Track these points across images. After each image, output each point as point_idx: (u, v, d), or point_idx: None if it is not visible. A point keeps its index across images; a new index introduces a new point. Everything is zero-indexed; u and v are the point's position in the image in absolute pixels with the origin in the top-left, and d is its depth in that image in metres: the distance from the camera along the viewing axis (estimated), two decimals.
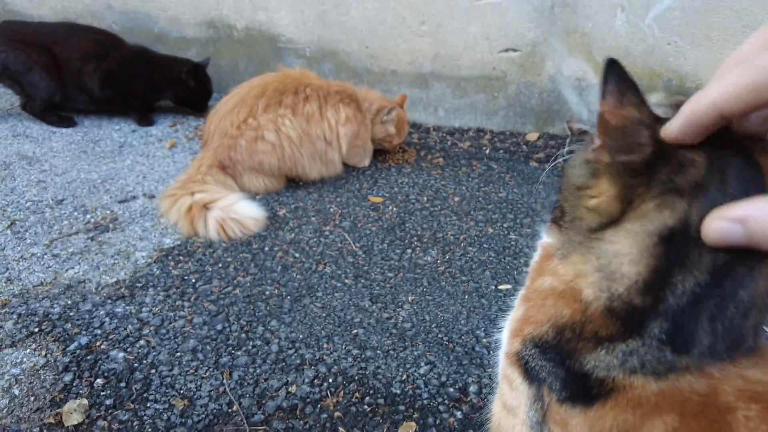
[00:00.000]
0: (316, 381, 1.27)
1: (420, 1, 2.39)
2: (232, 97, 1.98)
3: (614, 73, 0.50)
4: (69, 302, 1.47)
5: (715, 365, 0.43)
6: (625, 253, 0.45)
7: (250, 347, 1.36)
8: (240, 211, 1.75)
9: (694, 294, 0.42)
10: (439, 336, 1.43)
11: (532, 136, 2.61)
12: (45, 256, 1.66)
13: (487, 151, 2.50)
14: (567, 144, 2.27)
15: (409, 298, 1.56)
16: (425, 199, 2.07)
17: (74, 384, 1.23)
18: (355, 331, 1.43)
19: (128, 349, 1.33)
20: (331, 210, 1.96)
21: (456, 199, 2.09)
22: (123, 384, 1.23)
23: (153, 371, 1.27)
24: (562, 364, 0.49)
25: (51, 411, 1.15)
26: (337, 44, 2.54)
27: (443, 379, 1.28)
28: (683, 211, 0.43)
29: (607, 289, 0.46)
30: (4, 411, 1.15)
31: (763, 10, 2.21)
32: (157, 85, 2.41)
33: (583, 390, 0.48)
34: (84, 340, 1.35)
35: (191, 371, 1.28)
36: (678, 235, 0.43)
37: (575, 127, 2.23)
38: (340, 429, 1.15)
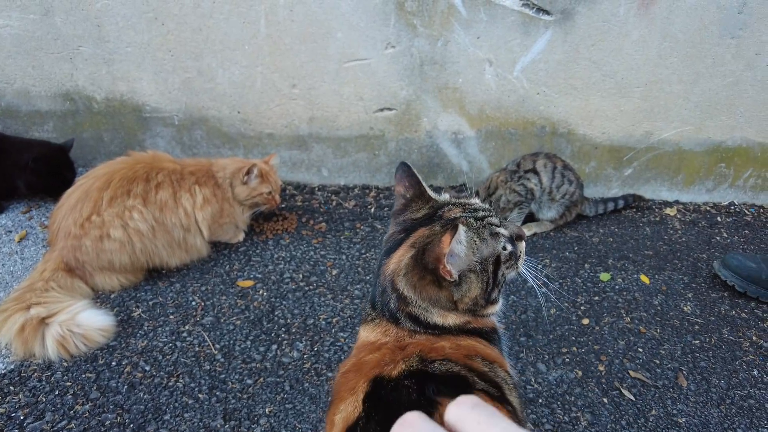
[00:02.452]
0: None
1: (289, 64, 2.32)
2: (75, 190, 1.82)
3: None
4: None
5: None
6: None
7: None
8: (84, 323, 1.60)
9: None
10: None
11: None
12: None
13: (372, 210, 2.45)
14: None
15: (267, 410, 1.46)
16: (300, 276, 1.99)
17: None
18: None
19: None
20: (193, 303, 1.83)
21: (334, 272, 2.02)
22: None
23: None
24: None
25: None
26: (207, 111, 2.43)
27: None
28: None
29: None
30: None
31: (617, 60, 2.29)
32: (5, 171, 2.19)
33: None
34: None
35: None
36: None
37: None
38: None
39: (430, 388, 0.71)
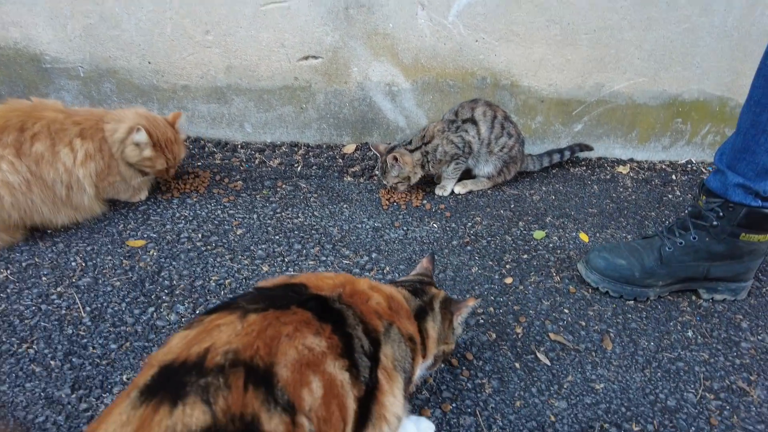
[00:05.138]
0: None
1: (201, 9, 2.10)
2: None
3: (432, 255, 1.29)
4: None
5: None
6: None
7: None
8: None
9: None
10: None
11: (349, 149, 2.39)
12: None
13: (299, 169, 2.25)
14: (378, 168, 2.08)
15: (125, 377, 1.28)
16: (200, 236, 1.79)
17: None
18: None
19: None
20: (73, 264, 1.63)
21: (239, 232, 1.83)
22: None
23: None
24: None
25: None
26: (115, 61, 2.21)
27: None
28: None
29: None
30: None
31: (562, 4, 2.09)
32: None
33: None
34: None
35: None
36: None
37: (381, 147, 2.04)
38: None
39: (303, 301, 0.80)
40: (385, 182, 2.02)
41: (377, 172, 2.05)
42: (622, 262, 1.57)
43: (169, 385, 0.62)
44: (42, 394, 1.22)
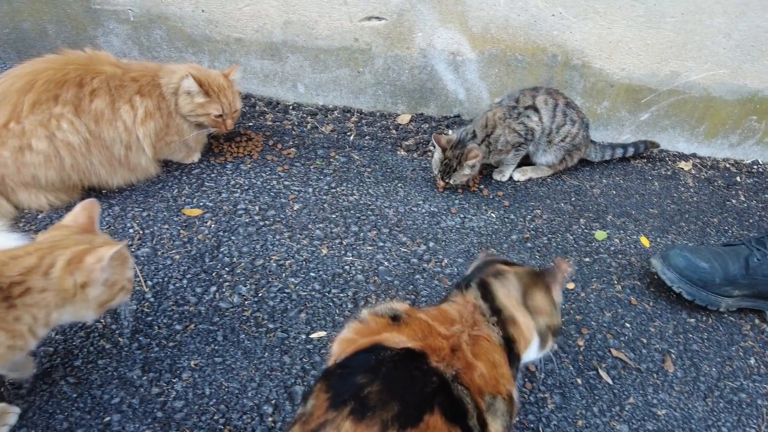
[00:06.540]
0: None
1: None
2: None
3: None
4: None
5: None
6: None
7: None
8: None
9: None
10: (215, 418, 1.18)
11: (404, 119, 2.29)
12: None
13: (351, 138, 2.18)
14: (434, 163, 1.91)
15: (192, 363, 1.29)
16: (257, 208, 1.76)
17: None
18: (108, 418, 1.16)
19: None
20: (131, 230, 1.61)
21: (296, 207, 1.79)
22: None
23: None
24: None
25: None
26: (167, 6, 2.08)
27: None
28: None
29: None
30: None
31: None
32: None
33: None
34: None
35: None
36: None
37: (443, 140, 1.88)
38: None
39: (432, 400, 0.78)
40: (448, 180, 1.87)
41: (436, 171, 1.90)
42: (704, 265, 1.50)
43: None
44: (114, 373, 1.24)
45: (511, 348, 0.98)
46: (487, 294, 1.02)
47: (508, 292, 1.02)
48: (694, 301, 1.54)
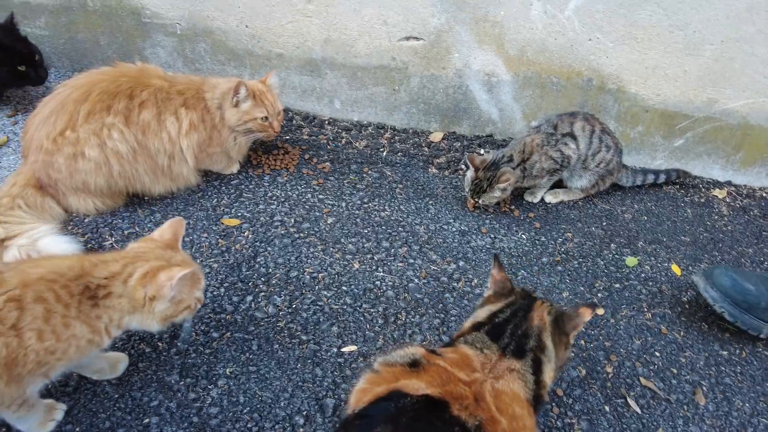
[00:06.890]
0: None
1: None
2: (51, 99, 1.63)
3: (497, 259, 1.19)
4: None
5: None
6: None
7: None
8: (44, 250, 1.46)
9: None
10: (248, 426, 1.22)
11: (436, 137, 2.32)
12: None
13: (384, 153, 2.22)
14: (466, 181, 1.93)
15: (228, 370, 1.33)
16: (292, 221, 1.80)
17: None
18: (147, 420, 1.21)
19: None
20: None
21: (329, 220, 1.83)
22: None
23: None
24: None
25: None
26: (212, 21, 2.16)
27: None
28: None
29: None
30: None
31: (692, 8, 1.92)
32: None
33: None
34: None
35: None
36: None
37: (477, 160, 1.89)
38: None
39: None
40: (478, 199, 1.89)
41: (467, 189, 1.92)
42: (751, 288, 1.47)
43: None
44: (154, 377, 1.29)
45: (538, 397, 1.00)
46: (524, 353, 1.02)
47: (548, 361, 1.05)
48: (734, 324, 1.51)
